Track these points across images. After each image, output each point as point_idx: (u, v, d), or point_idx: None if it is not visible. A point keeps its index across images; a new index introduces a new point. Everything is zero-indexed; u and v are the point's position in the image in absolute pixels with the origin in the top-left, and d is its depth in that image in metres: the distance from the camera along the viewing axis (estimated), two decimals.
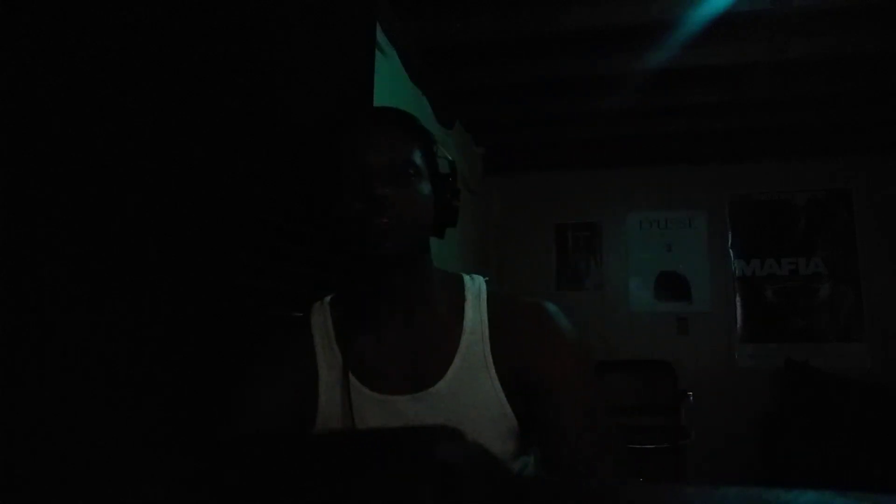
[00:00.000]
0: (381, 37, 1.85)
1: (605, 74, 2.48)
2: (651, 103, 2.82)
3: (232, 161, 0.95)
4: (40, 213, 0.62)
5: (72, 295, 0.65)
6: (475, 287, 0.85)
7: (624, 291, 3.64)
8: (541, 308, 0.82)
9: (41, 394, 0.61)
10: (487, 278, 0.87)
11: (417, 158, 0.79)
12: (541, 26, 2.12)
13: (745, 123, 3.10)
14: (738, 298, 3.53)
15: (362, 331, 0.81)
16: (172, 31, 0.82)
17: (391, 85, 2.01)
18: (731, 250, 3.59)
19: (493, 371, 0.78)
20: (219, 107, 0.92)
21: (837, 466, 2.57)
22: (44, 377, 0.62)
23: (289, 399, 0.78)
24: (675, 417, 3.25)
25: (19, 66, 0.60)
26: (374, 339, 0.81)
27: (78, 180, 0.67)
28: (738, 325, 3.50)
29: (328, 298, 0.88)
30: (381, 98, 1.72)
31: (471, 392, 0.77)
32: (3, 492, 0.55)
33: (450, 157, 0.84)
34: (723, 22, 2.04)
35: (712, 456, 3.27)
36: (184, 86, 0.84)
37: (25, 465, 0.58)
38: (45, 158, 0.63)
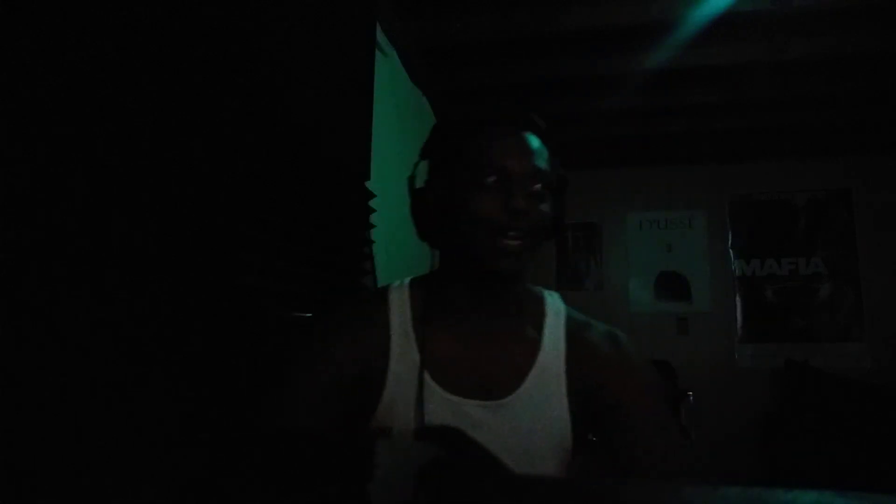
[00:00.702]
0: (381, 37, 1.85)
1: (605, 74, 2.48)
2: (651, 103, 2.82)
3: (232, 161, 0.95)
4: (40, 214, 0.62)
5: (71, 295, 0.66)
6: (555, 305, 0.86)
7: (624, 291, 3.64)
8: (616, 334, 0.85)
9: (41, 394, 0.61)
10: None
11: (550, 171, 0.77)
12: (541, 26, 2.11)
13: (745, 123, 3.10)
14: (738, 298, 3.53)
15: (442, 326, 0.80)
16: (171, 31, 0.82)
17: (391, 85, 2.02)
18: (731, 250, 3.59)
19: (564, 389, 0.78)
20: (218, 107, 0.92)
21: (837, 466, 2.57)
22: (44, 378, 0.62)
23: (353, 379, 0.76)
24: (674, 417, 3.24)
25: (19, 66, 0.60)
26: (453, 337, 0.79)
27: (78, 180, 0.67)
28: (738, 325, 3.50)
29: (407, 280, 0.86)
30: (381, 98, 1.72)
31: (539, 409, 0.77)
32: (2, 492, 0.55)
33: (562, 172, 0.83)
34: (723, 22, 2.03)
35: (712, 456, 3.27)
36: (183, 85, 0.84)
37: (26, 466, 0.58)
38: (45, 158, 0.63)
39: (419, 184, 0.81)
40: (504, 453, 0.67)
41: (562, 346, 0.81)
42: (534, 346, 0.80)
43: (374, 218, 1.55)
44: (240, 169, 0.97)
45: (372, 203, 1.54)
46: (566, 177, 0.83)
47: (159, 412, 0.78)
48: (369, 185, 1.52)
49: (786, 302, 3.46)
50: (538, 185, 0.75)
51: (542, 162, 0.76)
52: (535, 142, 0.78)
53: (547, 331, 0.82)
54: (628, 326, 3.54)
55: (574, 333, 0.82)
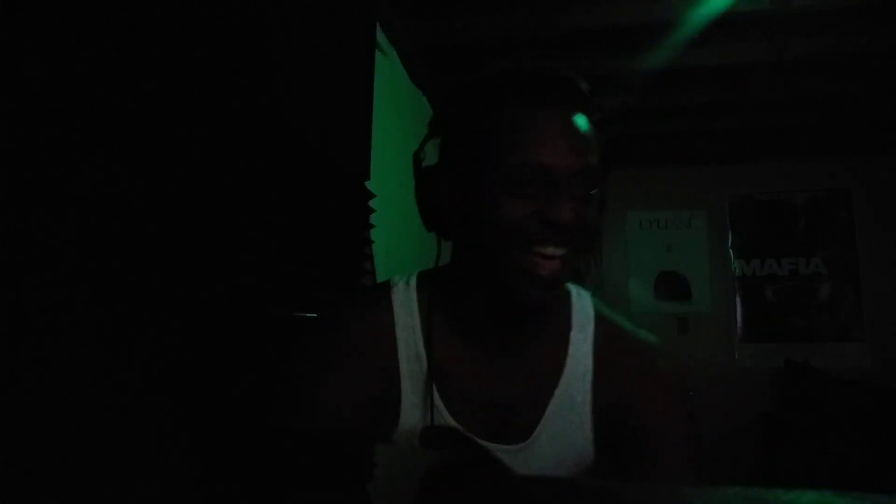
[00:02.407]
0: (381, 37, 1.85)
1: (605, 74, 2.48)
2: (651, 103, 2.82)
3: (231, 161, 0.95)
4: (40, 214, 0.62)
5: (70, 295, 0.66)
6: (583, 310, 0.73)
7: (624, 291, 3.64)
8: (651, 347, 0.73)
9: (41, 394, 0.61)
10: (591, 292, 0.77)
11: (600, 165, 0.62)
12: (541, 26, 2.11)
13: (745, 123, 3.10)
14: (738, 298, 3.53)
15: (455, 345, 0.69)
16: (171, 31, 0.82)
17: (391, 85, 2.02)
18: (731, 250, 3.59)
19: (588, 413, 0.69)
20: (218, 107, 0.92)
21: (837, 466, 2.57)
22: (43, 378, 0.62)
23: (368, 402, 0.68)
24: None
25: (20, 66, 0.60)
26: (466, 360, 0.69)
27: (76, 180, 0.67)
28: (738, 325, 3.50)
29: (413, 280, 0.74)
30: (381, 98, 1.72)
31: (560, 440, 0.69)
32: (2, 492, 0.55)
33: (608, 158, 0.67)
34: (723, 22, 2.03)
35: (712, 456, 3.27)
36: (183, 85, 0.84)
37: (25, 466, 0.58)
38: (45, 158, 0.63)
39: (429, 161, 0.67)
40: None
41: (588, 363, 0.70)
42: (557, 368, 0.70)
43: (374, 218, 1.55)
44: (240, 169, 0.97)
45: (372, 203, 1.54)
46: (611, 162, 0.67)
47: (158, 412, 0.78)
48: (369, 185, 1.52)
49: (786, 302, 3.47)
50: (584, 186, 0.60)
51: (592, 154, 0.61)
52: (583, 124, 0.62)
53: (572, 349, 0.70)
54: None
55: (603, 348, 0.71)
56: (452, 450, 0.50)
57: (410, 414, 0.68)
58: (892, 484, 2.11)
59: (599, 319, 0.73)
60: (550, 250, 0.58)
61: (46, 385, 0.62)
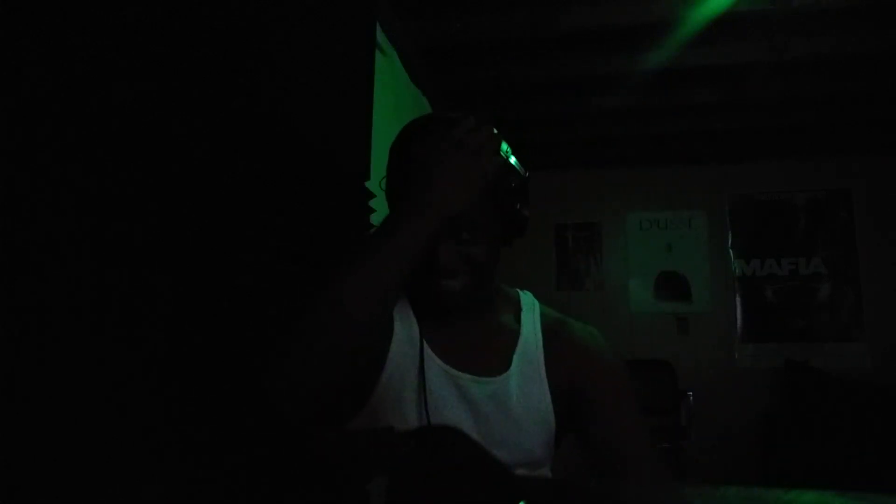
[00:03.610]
0: (381, 37, 1.86)
1: (605, 74, 2.48)
2: (651, 103, 2.82)
3: (231, 161, 0.95)
4: (41, 214, 0.62)
5: (70, 295, 0.65)
6: (529, 302, 0.89)
7: (624, 291, 3.64)
8: (591, 331, 0.88)
9: (40, 394, 0.61)
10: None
11: (484, 191, 0.74)
12: (541, 26, 2.11)
13: (745, 123, 3.10)
14: (738, 298, 3.53)
15: (434, 317, 0.83)
16: (171, 31, 0.82)
17: (391, 85, 2.02)
18: (731, 250, 3.59)
19: (544, 376, 0.82)
20: (218, 107, 0.92)
21: (837, 466, 2.57)
22: (42, 378, 0.62)
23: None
24: (674, 417, 3.25)
25: (20, 66, 0.60)
26: (445, 322, 0.83)
27: (76, 179, 0.67)
28: (738, 325, 3.50)
29: None
30: (380, 98, 1.72)
31: (526, 392, 0.81)
32: (2, 492, 0.55)
33: (521, 169, 0.81)
34: (723, 22, 2.03)
35: (712, 456, 3.27)
36: (183, 86, 0.84)
37: (25, 466, 0.58)
38: (45, 158, 0.63)
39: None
40: (496, 429, 0.78)
41: (539, 336, 0.84)
42: (514, 335, 0.84)
43: (374, 218, 1.55)
44: (239, 169, 0.97)
45: (372, 203, 1.54)
46: (521, 171, 0.80)
47: (158, 412, 0.78)
48: (369, 185, 1.52)
49: (786, 302, 3.46)
50: (469, 230, 0.75)
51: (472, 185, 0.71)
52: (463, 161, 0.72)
53: (524, 319, 0.86)
54: (628, 326, 3.56)
55: (550, 327, 0.86)
56: (452, 449, 0.51)
57: (397, 358, 0.79)
58: (892, 484, 2.11)
59: (544, 310, 0.89)
60: (443, 283, 0.75)
61: (46, 385, 0.62)
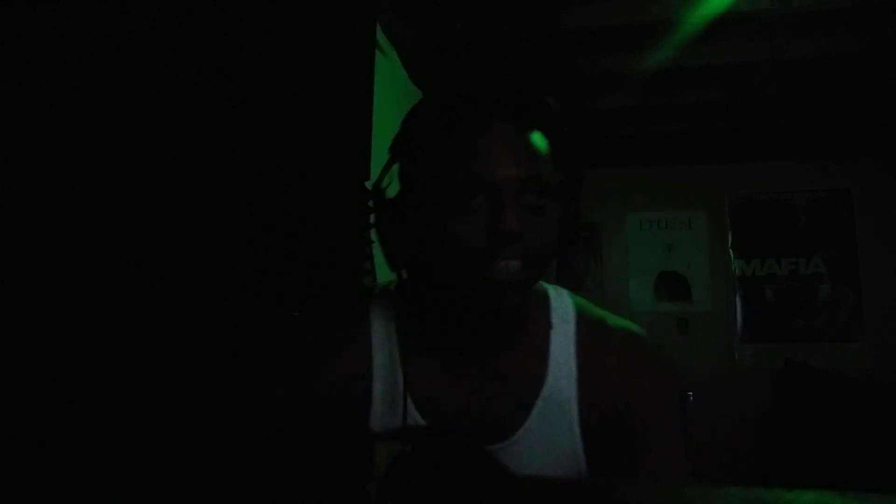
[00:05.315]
0: (381, 37, 1.85)
1: (605, 74, 2.48)
2: (651, 103, 2.82)
3: (231, 161, 0.95)
4: (41, 214, 0.62)
5: (69, 295, 0.65)
6: (562, 308, 0.72)
7: (624, 291, 3.64)
8: (636, 339, 0.73)
9: (39, 394, 0.61)
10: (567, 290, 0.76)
11: (552, 171, 0.63)
12: (541, 26, 2.11)
13: (745, 123, 3.10)
14: (738, 298, 3.53)
15: (431, 353, 0.69)
16: (171, 31, 0.82)
17: (391, 85, 2.02)
18: (731, 250, 3.59)
19: (576, 415, 0.69)
20: (218, 107, 0.92)
21: (837, 466, 2.57)
22: (41, 377, 0.62)
23: (335, 411, 0.69)
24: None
25: (19, 66, 0.60)
26: (444, 368, 0.69)
27: (76, 179, 0.67)
28: (738, 325, 3.50)
29: (394, 288, 0.74)
30: (381, 98, 1.72)
31: (548, 444, 0.68)
32: (2, 492, 0.55)
33: (573, 165, 0.67)
34: (723, 22, 2.03)
35: (712, 456, 3.27)
36: (183, 85, 0.84)
37: (25, 466, 0.58)
38: (46, 159, 0.63)
39: (393, 192, 0.67)
40: None
41: (572, 363, 0.69)
42: (538, 374, 0.69)
43: (374, 218, 1.55)
44: (239, 169, 0.97)
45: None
46: (580, 171, 0.67)
47: (157, 412, 0.78)
48: (369, 185, 1.52)
49: (786, 302, 3.46)
50: (535, 196, 0.60)
51: (539, 163, 0.61)
52: (529, 136, 0.63)
53: (553, 352, 0.70)
54: None
55: (586, 345, 0.70)
56: (452, 449, 0.51)
57: (378, 420, 0.68)
58: (892, 484, 2.11)
59: (580, 317, 0.72)
60: (501, 264, 0.58)
61: (45, 384, 0.62)
